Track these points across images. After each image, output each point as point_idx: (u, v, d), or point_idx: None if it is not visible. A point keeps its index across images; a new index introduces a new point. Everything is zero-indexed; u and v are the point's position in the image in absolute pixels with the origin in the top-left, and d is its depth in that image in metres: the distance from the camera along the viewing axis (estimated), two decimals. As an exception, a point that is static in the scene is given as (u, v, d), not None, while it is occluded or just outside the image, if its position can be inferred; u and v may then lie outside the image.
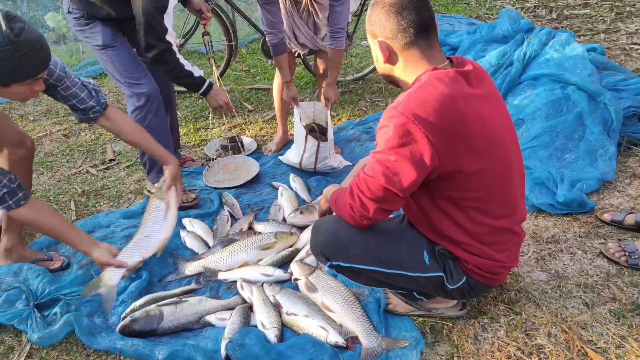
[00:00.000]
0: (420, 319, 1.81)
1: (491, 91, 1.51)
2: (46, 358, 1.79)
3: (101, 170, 3.09)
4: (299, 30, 2.88)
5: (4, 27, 1.51)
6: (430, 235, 1.59)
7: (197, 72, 2.42)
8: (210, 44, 3.00)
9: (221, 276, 2.13)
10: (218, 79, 3.01)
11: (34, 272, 2.10)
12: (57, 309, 1.96)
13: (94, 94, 2.02)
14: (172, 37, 2.29)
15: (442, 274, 1.57)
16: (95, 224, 2.51)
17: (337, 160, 2.94)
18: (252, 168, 2.94)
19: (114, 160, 3.18)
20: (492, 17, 5.29)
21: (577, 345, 1.66)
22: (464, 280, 1.58)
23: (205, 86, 2.44)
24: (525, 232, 1.67)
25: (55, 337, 1.84)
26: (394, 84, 1.56)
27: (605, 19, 4.81)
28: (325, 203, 1.82)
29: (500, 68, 3.44)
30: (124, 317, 1.88)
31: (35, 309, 1.94)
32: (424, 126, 1.33)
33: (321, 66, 3.09)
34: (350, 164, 2.95)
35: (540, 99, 3.08)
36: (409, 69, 1.47)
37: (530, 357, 1.64)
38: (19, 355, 1.80)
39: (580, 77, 3.02)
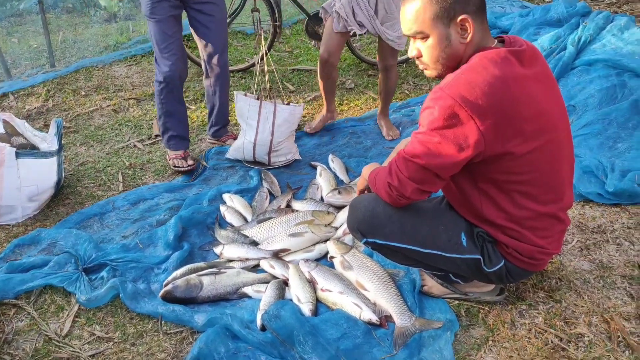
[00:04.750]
0: (456, 302, 1.79)
1: (544, 72, 1.46)
2: (93, 319, 1.88)
3: (147, 145, 3.19)
4: (358, 7, 2.72)
5: None
6: (469, 218, 1.57)
7: None
8: (259, 20, 3.06)
9: (264, 265, 2.06)
10: (266, 54, 3.00)
11: (82, 238, 2.21)
12: (103, 274, 2.05)
13: None
14: None
15: (479, 256, 1.55)
16: (139, 196, 2.61)
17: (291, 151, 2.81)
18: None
19: (159, 135, 3.27)
20: None
21: (618, 336, 1.61)
22: (502, 264, 1.55)
23: None
24: (570, 220, 1.61)
25: (101, 299, 1.93)
26: (449, 72, 1.42)
27: (670, 3, 4.52)
28: (364, 181, 1.82)
29: (552, 52, 3.32)
30: (166, 284, 1.95)
31: (83, 273, 2.04)
32: (472, 109, 1.30)
33: (382, 62, 2.91)
34: (299, 158, 2.88)
35: (594, 85, 2.95)
36: (475, 48, 1.39)
37: (569, 345, 1.60)
38: (68, 315, 1.91)
39: (639, 64, 2.87)
